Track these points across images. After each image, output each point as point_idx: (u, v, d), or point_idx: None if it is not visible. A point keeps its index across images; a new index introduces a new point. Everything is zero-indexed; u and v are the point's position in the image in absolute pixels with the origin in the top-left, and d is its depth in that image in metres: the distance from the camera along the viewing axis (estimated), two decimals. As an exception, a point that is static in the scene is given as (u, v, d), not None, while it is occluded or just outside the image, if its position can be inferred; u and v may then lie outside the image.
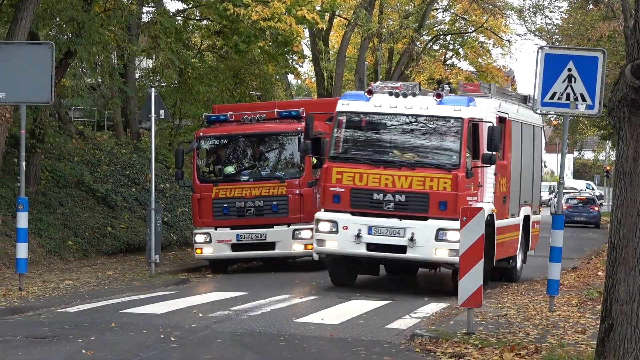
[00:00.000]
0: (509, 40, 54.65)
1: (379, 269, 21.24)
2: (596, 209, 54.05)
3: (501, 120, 20.05)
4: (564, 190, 27.38)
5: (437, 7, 51.47)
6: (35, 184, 25.32)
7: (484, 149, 18.30)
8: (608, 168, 67.77)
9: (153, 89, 21.65)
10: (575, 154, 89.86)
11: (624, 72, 9.72)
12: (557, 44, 33.07)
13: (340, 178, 18.48)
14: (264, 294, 18.26)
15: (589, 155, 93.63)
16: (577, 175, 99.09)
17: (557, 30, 38.41)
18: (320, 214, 18.83)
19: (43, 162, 26.77)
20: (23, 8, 21.69)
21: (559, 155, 17.63)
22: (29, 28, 22.09)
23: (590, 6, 31.21)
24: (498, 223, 19.51)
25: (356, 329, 14.84)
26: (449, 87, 19.99)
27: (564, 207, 28.63)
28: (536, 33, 41.15)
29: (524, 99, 22.84)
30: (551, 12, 42.47)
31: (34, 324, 13.62)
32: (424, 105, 18.33)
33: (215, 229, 22.29)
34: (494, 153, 18.10)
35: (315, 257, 19.28)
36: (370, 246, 18.39)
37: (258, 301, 17.53)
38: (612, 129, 10.43)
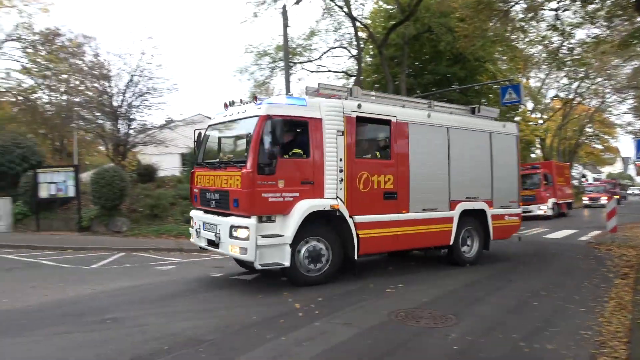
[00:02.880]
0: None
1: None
2: None
3: (384, 122, 18.46)
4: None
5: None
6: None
7: (313, 147, 16.81)
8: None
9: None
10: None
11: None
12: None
13: (197, 181, 18.10)
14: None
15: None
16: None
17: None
18: (191, 212, 18.61)
19: None
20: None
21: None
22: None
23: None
24: (360, 218, 17.53)
25: (565, 239, 25.27)
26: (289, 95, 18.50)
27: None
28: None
29: (472, 111, 21.66)
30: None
31: None
32: (243, 109, 17.10)
33: None
34: (273, 149, 15.89)
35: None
36: (207, 241, 17.39)
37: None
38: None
